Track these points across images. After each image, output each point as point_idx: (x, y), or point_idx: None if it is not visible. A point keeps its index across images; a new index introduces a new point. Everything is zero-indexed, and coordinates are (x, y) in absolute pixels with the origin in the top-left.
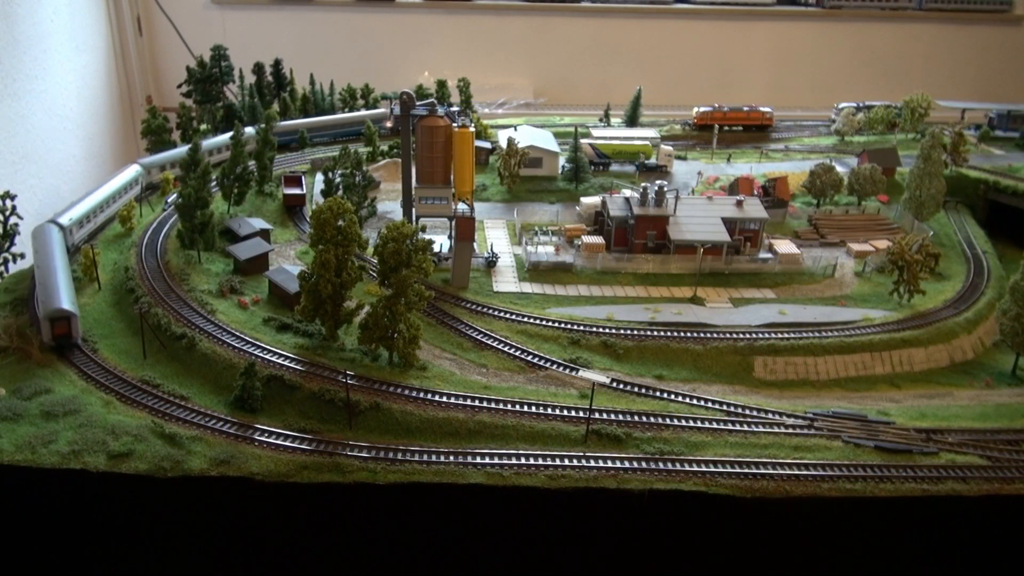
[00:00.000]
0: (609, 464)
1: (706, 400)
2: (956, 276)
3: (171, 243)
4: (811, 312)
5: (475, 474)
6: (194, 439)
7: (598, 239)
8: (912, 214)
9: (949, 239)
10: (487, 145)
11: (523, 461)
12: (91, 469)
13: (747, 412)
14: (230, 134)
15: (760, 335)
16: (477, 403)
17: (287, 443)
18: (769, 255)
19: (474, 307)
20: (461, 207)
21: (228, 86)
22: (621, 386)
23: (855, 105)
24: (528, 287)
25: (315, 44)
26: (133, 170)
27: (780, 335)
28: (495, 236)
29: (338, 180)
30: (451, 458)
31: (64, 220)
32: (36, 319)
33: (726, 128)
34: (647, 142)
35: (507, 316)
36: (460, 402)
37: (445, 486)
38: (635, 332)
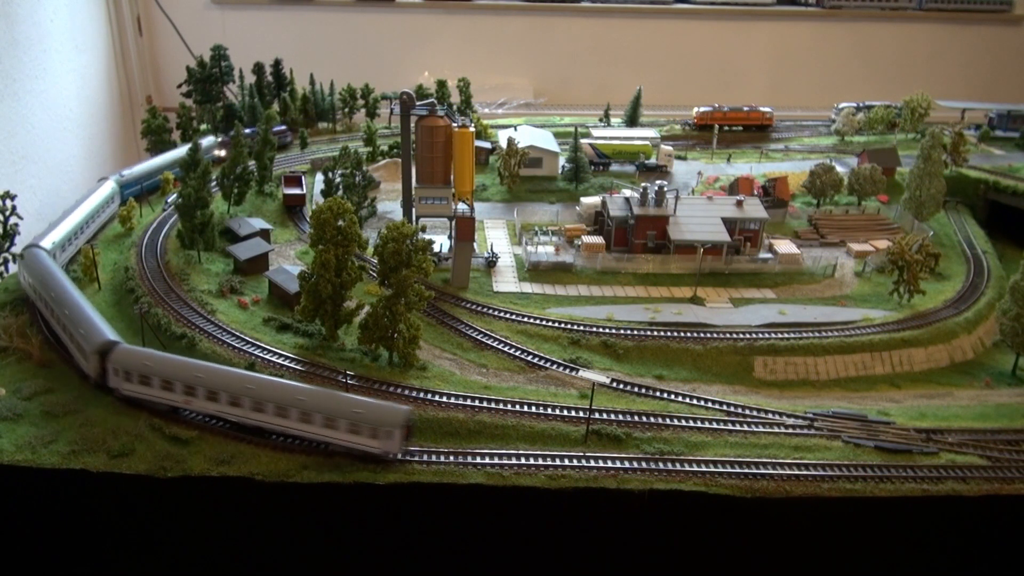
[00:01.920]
0: (609, 464)
1: (706, 400)
2: (956, 276)
3: (171, 243)
4: (811, 312)
5: (475, 474)
6: (194, 439)
7: (598, 239)
8: (912, 214)
9: (949, 239)
10: (487, 145)
11: (523, 461)
12: (91, 469)
13: (747, 412)
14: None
15: (760, 335)
16: (477, 403)
17: (287, 443)
18: (769, 255)
19: (474, 307)
20: (461, 207)
21: (228, 86)
22: (621, 386)
23: (855, 105)
24: (528, 287)
25: (315, 44)
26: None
27: (780, 335)
28: (495, 236)
29: (338, 180)
30: (451, 458)
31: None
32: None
33: (726, 128)
34: (647, 142)
35: (507, 316)
36: (460, 402)
37: (445, 486)
38: (635, 332)
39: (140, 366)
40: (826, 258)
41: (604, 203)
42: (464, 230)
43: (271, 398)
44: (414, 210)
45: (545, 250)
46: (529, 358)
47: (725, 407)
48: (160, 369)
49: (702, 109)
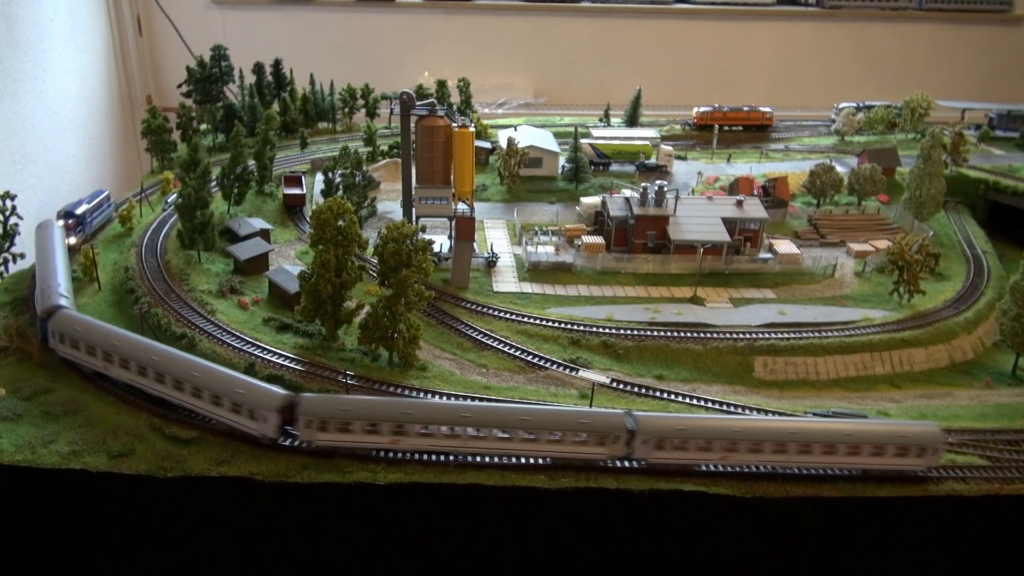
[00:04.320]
0: (609, 464)
1: (706, 400)
2: (956, 276)
3: (171, 243)
4: (811, 312)
5: (475, 474)
6: (194, 439)
7: (598, 239)
8: (912, 214)
9: (949, 239)
10: (487, 145)
11: (523, 461)
12: (91, 469)
13: (747, 412)
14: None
15: (760, 335)
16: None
17: (287, 443)
18: (769, 255)
19: (474, 307)
20: (461, 207)
21: (228, 86)
22: (621, 386)
23: (855, 105)
24: (528, 287)
25: (315, 44)
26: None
27: (780, 335)
28: (495, 236)
29: (338, 180)
30: (451, 458)
31: None
32: None
33: (726, 128)
34: (647, 142)
35: (507, 316)
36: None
37: (445, 486)
38: (635, 332)
39: None
40: (826, 258)
41: (604, 203)
42: (464, 230)
43: None
44: (414, 210)
45: (545, 250)
46: (529, 358)
47: (725, 407)
48: None
49: (702, 109)
